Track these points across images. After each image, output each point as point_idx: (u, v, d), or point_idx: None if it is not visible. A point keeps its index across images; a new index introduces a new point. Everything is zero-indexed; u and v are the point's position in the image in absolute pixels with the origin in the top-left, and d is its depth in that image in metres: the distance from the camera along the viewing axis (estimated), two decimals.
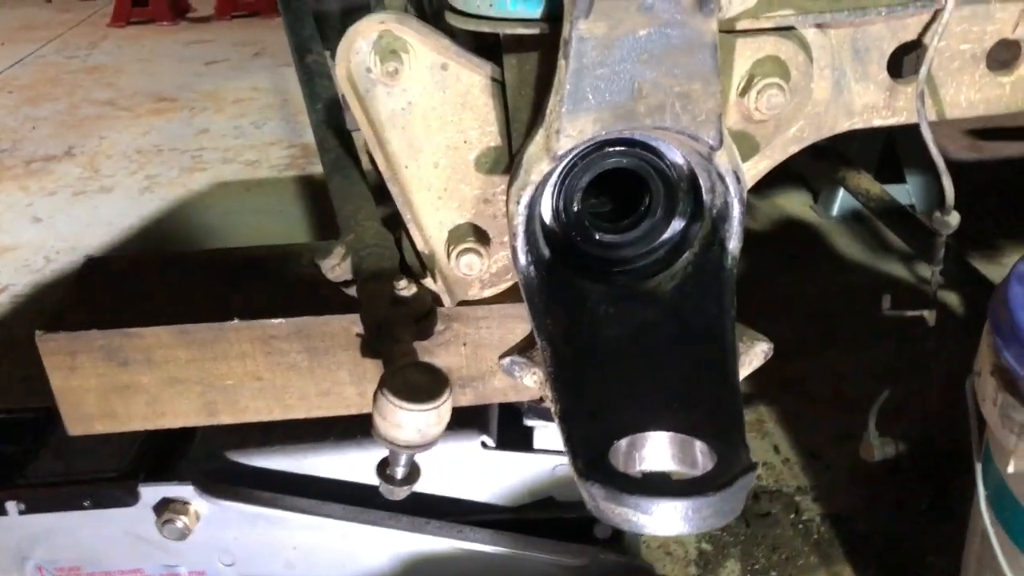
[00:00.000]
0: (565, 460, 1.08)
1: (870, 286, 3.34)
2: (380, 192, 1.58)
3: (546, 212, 1.26)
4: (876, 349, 2.99)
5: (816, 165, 3.40)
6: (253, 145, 4.86)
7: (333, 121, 1.83)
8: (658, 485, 0.98)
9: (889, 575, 2.18)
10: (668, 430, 1.09)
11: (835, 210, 3.91)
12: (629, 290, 1.27)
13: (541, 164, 1.13)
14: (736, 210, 1.17)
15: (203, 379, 1.62)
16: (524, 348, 1.23)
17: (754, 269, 3.52)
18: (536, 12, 1.16)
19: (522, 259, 1.18)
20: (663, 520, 0.97)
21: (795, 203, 4.04)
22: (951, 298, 3.16)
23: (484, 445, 1.77)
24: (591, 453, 1.05)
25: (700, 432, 1.08)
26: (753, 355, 1.20)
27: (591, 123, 1.07)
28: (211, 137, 4.99)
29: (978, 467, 1.43)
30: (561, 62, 1.05)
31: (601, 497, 0.99)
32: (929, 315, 1.56)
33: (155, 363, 1.60)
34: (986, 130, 4.71)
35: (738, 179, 1.15)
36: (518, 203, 1.15)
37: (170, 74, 6.15)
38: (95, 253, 3.70)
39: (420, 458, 1.79)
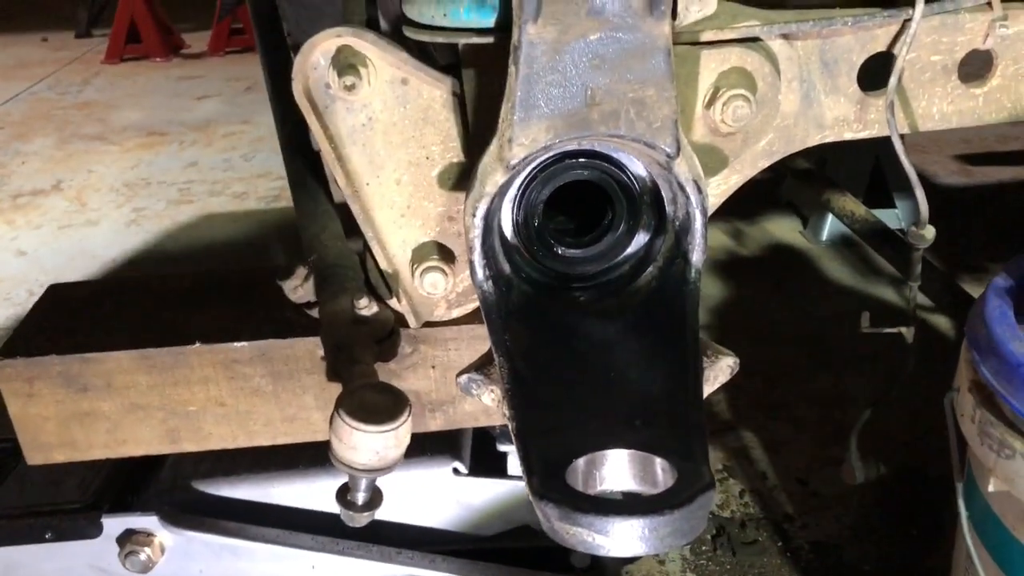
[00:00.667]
0: None
1: (858, 311, 3.29)
2: (348, 212, 1.55)
3: (507, 227, 1.23)
4: (864, 375, 2.95)
5: (802, 188, 3.38)
6: (242, 177, 4.84)
7: (300, 141, 1.81)
8: (614, 504, 0.94)
9: None
10: (628, 447, 1.05)
11: (824, 235, 3.89)
12: (592, 306, 1.23)
13: (496, 175, 1.10)
14: (698, 221, 1.14)
15: (165, 405, 1.58)
16: (482, 365, 1.19)
17: (742, 295, 3.49)
18: (490, 21, 1.14)
19: (479, 273, 1.15)
20: (620, 540, 0.93)
21: (784, 229, 4.02)
22: (941, 321, 3.13)
23: (456, 471, 1.73)
24: (547, 472, 1.01)
25: (661, 449, 1.04)
26: (718, 370, 1.16)
27: (544, 131, 1.04)
28: (199, 170, 4.97)
29: (959, 488, 1.39)
30: (511, 68, 1.03)
31: (555, 517, 0.95)
32: (907, 332, 1.52)
33: (115, 389, 1.56)
34: (975, 155, 4.70)
35: (699, 189, 1.12)
36: (474, 215, 1.12)
37: (161, 109, 6.16)
38: None
39: (392, 485, 1.76)
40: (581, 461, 1.04)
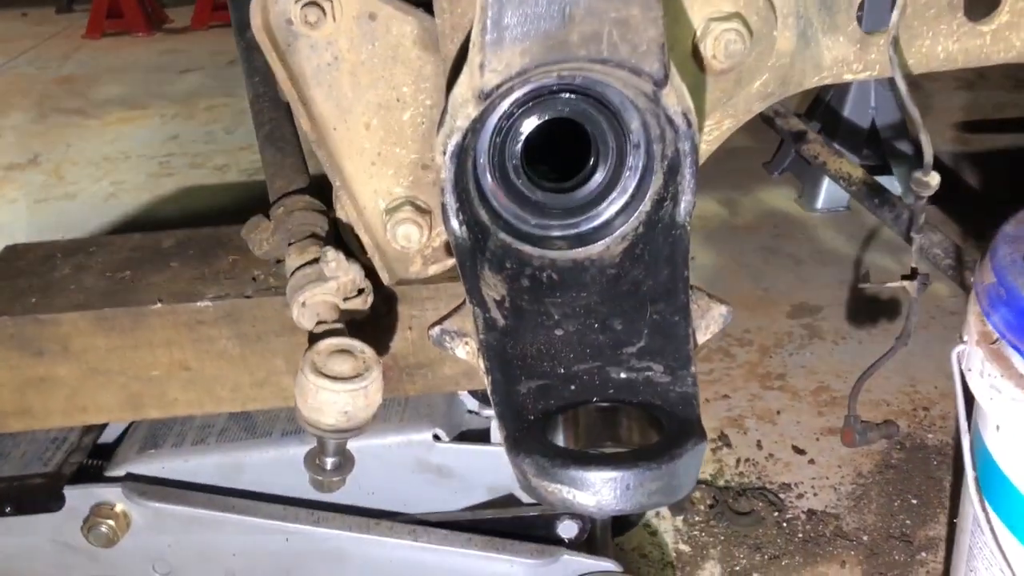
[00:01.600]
0: None
1: (854, 280, 3.23)
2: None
3: (484, 170, 1.14)
4: (862, 343, 2.88)
5: (797, 151, 3.29)
6: (224, 150, 4.74)
7: (270, 93, 1.72)
8: (596, 457, 0.86)
9: (877, 575, 2.06)
10: (613, 400, 0.98)
11: (819, 204, 3.81)
12: (574, 253, 1.14)
13: (468, 107, 1.01)
14: (688, 159, 1.05)
15: (126, 370, 1.49)
16: (456, 317, 1.11)
17: (737, 264, 3.41)
18: None
19: (453, 218, 1.06)
20: (602, 495, 0.85)
21: (778, 198, 3.94)
22: (941, 288, 3.06)
23: (436, 438, 1.64)
24: (524, 426, 0.93)
25: (649, 400, 0.96)
26: (711, 319, 1.08)
27: (518, 55, 0.95)
28: (180, 143, 4.86)
29: (966, 445, 1.31)
30: None
31: (532, 472, 0.87)
32: (910, 285, 1.44)
33: (73, 353, 1.47)
34: (973, 123, 4.62)
35: (689, 122, 1.04)
36: (445, 153, 1.03)
37: (143, 83, 6.03)
38: None
39: (369, 452, 1.68)
40: (562, 415, 0.96)
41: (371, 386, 1.13)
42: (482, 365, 1.02)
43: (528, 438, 0.91)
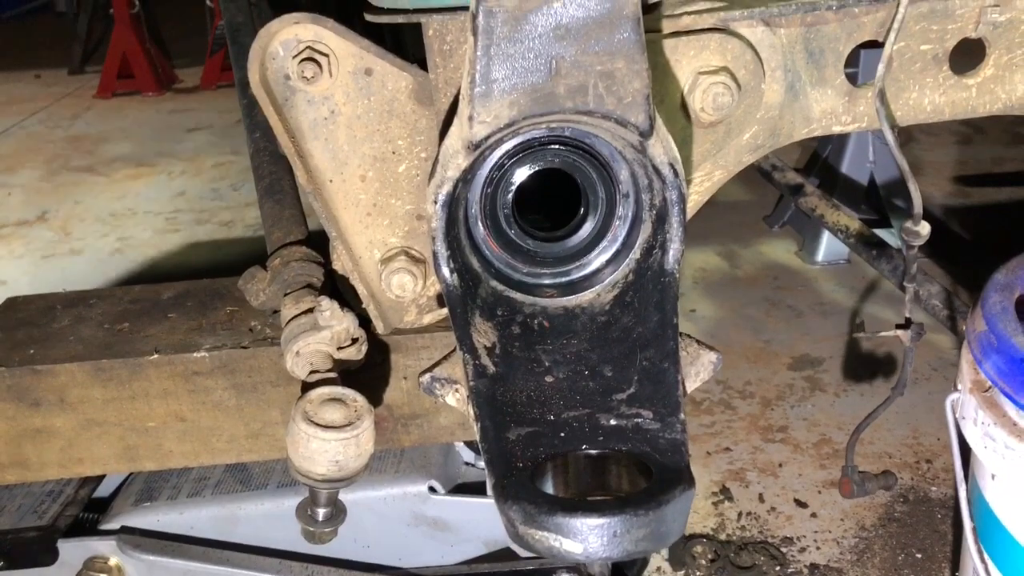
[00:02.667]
0: None
1: (854, 331, 3.23)
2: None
3: (477, 221, 1.16)
4: (863, 396, 2.87)
5: (796, 204, 3.31)
6: (229, 206, 4.78)
7: (270, 148, 1.75)
8: (582, 504, 0.86)
9: None
10: (603, 447, 0.97)
11: (820, 256, 3.82)
12: (565, 301, 1.15)
13: (458, 158, 1.03)
14: (676, 208, 1.07)
15: (122, 421, 1.49)
16: (446, 364, 1.11)
17: (738, 316, 3.41)
18: None
19: (443, 266, 1.07)
20: (589, 543, 0.84)
21: (779, 251, 3.95)
22: (940, 339, 3.05)
23: (432, 490, 1.63)
24: (512, 473, 0.93)
25: (638, 448, 0.96)
26: (700, 366, 1.08)
27: (506, 107, 0.97)
28: (187, 199, 4.92)
29: (962, 495, 1.30)
30: (470, 40, 0.96)
31: (519, 520, 0.87)
32: (904, 334, 1.44)
33: (69, 404, 1.47)
34: (972, 176, 4.65)
35: (675, 172, 1.05)
36: (435, 202, 1.05)
37: (151, 141, 6.12)
38: None
39: (364, 505, 1.67)
40: (551, 463, 0.96)
41: (363, 435, 1.14)
42: (471, 412, 1.02)
43: (516, 485, 0.90)
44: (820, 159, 3.94)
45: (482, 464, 1.73)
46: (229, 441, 1.53)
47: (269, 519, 1.64)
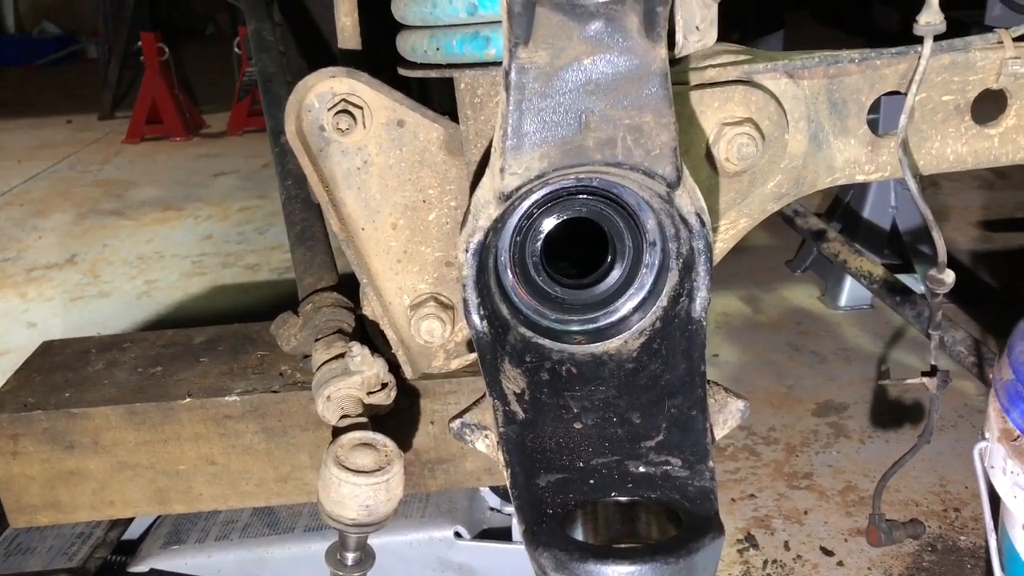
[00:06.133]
0: None
1: (879, 377, 3.22)
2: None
3: (506, 268, 1.18)
4: (888, 443, 2.85)
5: (820, 248, 3.32)
6: (255, 250, 4.84)
7: (302, 195, 1.78)
8: (613, 552, 0.87)
9: None
10: (632, 494, 0.98)
11: (843, 301, 3.81)
12: (593, 348, 1.17)
13: (489, 208, 1.05)
14: (702, 256, 1.09)
15: (154, 464, 1.52)
16: (476, 410, 1.13)
17: (761, 361, 3.40)
18: (482, 53, 1.11)
19: (474, 313, 1.09)
20: None
21: (802, 296, 3.95)
22: (967, 386, 3.03)
23: (458, 535, 1.64)
24: (543, 520, 0.94)
25: (667, 495, 0.97)
26: (728, 414, 1.09)
27: (537, 159, 1.00)
28: (214, 243, 4.99)
29: (992, 544, 1.29)
30: (502, 95, 0.99)
31: (550, 567, 0.88)
32: (930, 382, 1.44)
33: (103, 447, 1.50)
34: (995, 221, 4.64)
35: (702, 221, 1.07)
36: (467, 251, 1.07)
37: (178, 185, 6.22)
38: None
39: (390, 550, 1.68)
40: (581, 509, 0.97)
41: (393, 480, 1.15)
42: (502, 458, 1.03)
43: (547, 531, 0.91)
44: (842, 204, 3.95)
45: (508, 510, 1.74)
46: (258, 485, 1.54)
47: (296, 562, 1.65)
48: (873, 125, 1.42)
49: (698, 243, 1.08)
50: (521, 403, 1.08)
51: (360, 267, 1.34)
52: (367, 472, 1.13)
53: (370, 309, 1.40)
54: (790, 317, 3.77)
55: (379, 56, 1.47)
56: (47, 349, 1.68)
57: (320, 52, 2.48)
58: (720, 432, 1.09)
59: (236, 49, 8.15)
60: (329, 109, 1.26)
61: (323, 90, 1.26)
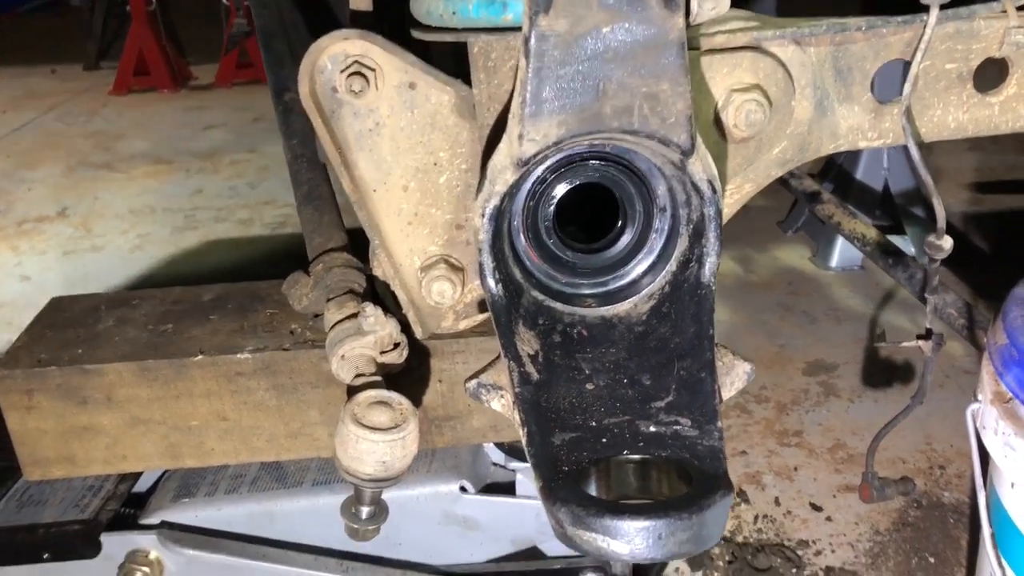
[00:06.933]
0: None
1: (869, 338, 3.27)
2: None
3: (518, 231, 1.20)
4: (877, 402, 2.91)
5: (812, 210, 3.36)
6: (247, 204, 4.84)
7: (308, 154, 1.79)
8: (629, 507, 0.91)
9: None
10: (643, 452, 1.02)
11: (834, 262, 3.86)
12: (604, 310, 1.20)
13: (506, 173, 1.07)
14: (713, 223, 1.11)
15: (166, 420, 1.54)
16: (492, 371, 1.16)
17: (752, 321, 3.45)
18: (499, 19, 1.12)
19: (489, 277, 1.12)
20: (635, 544, 0.89)
21: (793, 256, 3.99)
22: (955, 348, 3.09)
23: (463, 490, 1.68)
24: (558, 476, 0.97)
25: (677, 454, 1.01)
26: (735, 376, 1.12)
27: (555, 126, 1.02)
28: (205, 197, 4.97)
29: (982, 502, 1.34)
30: (522, 62, 1.00)
31: (568, 522, 0.92)
32: (925, 345, 1.48)
33: (116, 403, 1.52)
34: (985, 183, 4.69)
35: (714, 189, 1.10)
36: (483, 216, 1.10)
37: (168, 139, 6.18)
38: None
39: (397, 503, 1.71)
40: (595, 466, 1.01)
41: (408, 436, 1.18)
42: (517, 418, 1.06)
43: (563, 488, 0.95)
44: (835, 165, 3.97)
45: (512, 465, 1.79)
46: (269, 440, 1.57)
47: (305, 516, 1.69)
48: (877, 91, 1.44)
49: (709, 209, 1.11)
50: (535, 364, 1.11)
51: (372, 228, 1.36)
52: (384, 429, 1.16)
53: (380, 270, 1.42)
54: (781, 277, 3.81)
55: (386, 19, 1.48)
56: (56, 305, 1.70)
57: (322, 12, 2.47)
58: (727, 394, 1.12)
59: (224, 0, 8.04)
60: (342, 71, 1.27)
61: (336, 51, 1.26)
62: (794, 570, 2.23)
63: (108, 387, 1.51)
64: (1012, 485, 1.31)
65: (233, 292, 1.70)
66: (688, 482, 0.97)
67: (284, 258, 4.11)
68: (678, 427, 1.04)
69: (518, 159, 1.03)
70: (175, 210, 4.80)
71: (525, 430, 1.04)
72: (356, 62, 1.27)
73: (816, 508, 2.45)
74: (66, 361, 1.50)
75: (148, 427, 1.55)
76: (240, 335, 1.56)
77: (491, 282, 1.12)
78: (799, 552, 2.29)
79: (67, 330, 1.60)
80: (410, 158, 1.34)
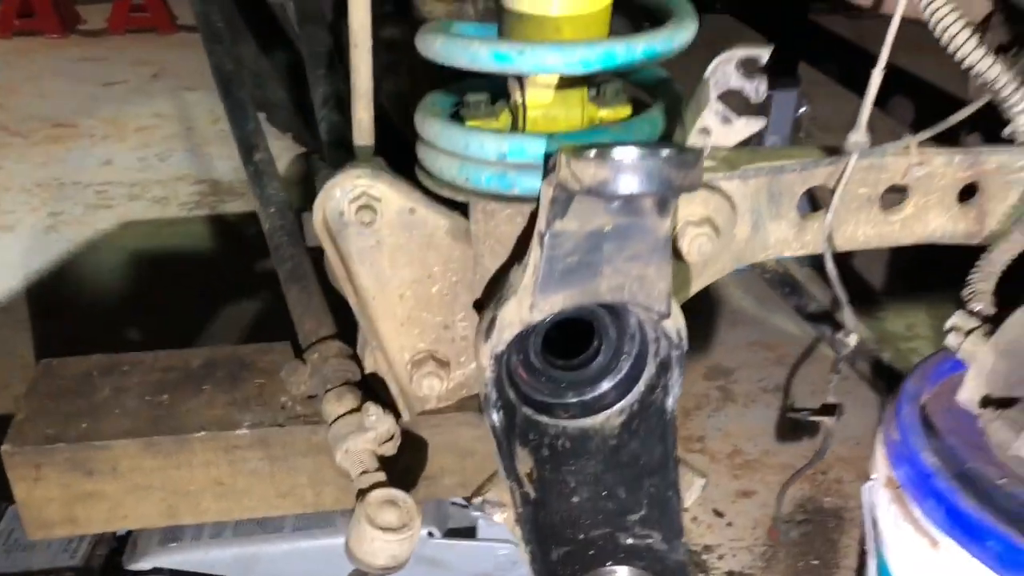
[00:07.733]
0: (509, 547, 1.21)
1: (763, 341, 3.61)
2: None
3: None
4: (770, 407, 3.25)
5: None
6: (160, 180, 4.81)
7: (288, 227, 1.92)
8: None
9: None
10: (624, 564, 1.25)
11: None
12: (581, 423, 1.42)
13: (514, 327, 1.27)
14: (678, 363, 1.34)
15: (166, 485, 1.69)
16: (490, 487, 1.36)
17: None
18: (507, 191, 1.30)
19: (493, 410, 1.32)
20: None
21: None
22: (829, 352, 3.45)
23: (431, 535, 1.89)
24: None
25: (652, 567, 1.24)
26: (693, 491, 1.37)
27: (560, 299, 1.22)
28: (115, 170, 4.90)
29: (871, 566, 1.64)
30: (536, 250, 1.20)
31: None
32: (830, 422, 1.76)
33: (120, 472, 1.66)
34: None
35: (681, 337, 1.32)
36: (491, 359, 1.29)
37: (66, 96, 5.98)
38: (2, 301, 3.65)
39: None
40: None
41: (415, 533, 1.38)
42: (520, 535, 1.28)
43: None
44: None
45: (475, 514, 2.00)
46: (260, 500, 1.74)
47: (287, 558, 1.87)
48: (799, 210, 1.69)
49: (675, 353, 1.33)
50: (532, 482, 1.32)
51: (371, 331, 1.53)
52: (395, 529, 1.36)
53: (377, 367, 1.59)
54: None
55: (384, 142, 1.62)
56: (48, 371, 1.79)
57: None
58: (685, 504, 1.37)
59: None
60: (351, 202, 1.43)
61: (347, 186, 1.42)
62: (700, 575, 2.55)
63: (114, 459, 1.64)
64: (897, 555, 1.60)
65: (219, 358, 1.83)
66: None
67: (206, 243, 4.16)
68: (650, 540, 1.28)
69: (528, 323, 1.23)
70: (85, 184, 4.73)
71: (528, 548, 1.26)
72: (364, 193, 1.43)
73: (719, 514, 2.77)
74: (73, 438, 1.62)
75: (149, 492, 1.69)
76: (236, 408, 1.70)
77: (493, 412, 1.32)
78: (704, 557, 2.61)
79: (66, 400, 1.71)
80: (407, 271, 1.52)
